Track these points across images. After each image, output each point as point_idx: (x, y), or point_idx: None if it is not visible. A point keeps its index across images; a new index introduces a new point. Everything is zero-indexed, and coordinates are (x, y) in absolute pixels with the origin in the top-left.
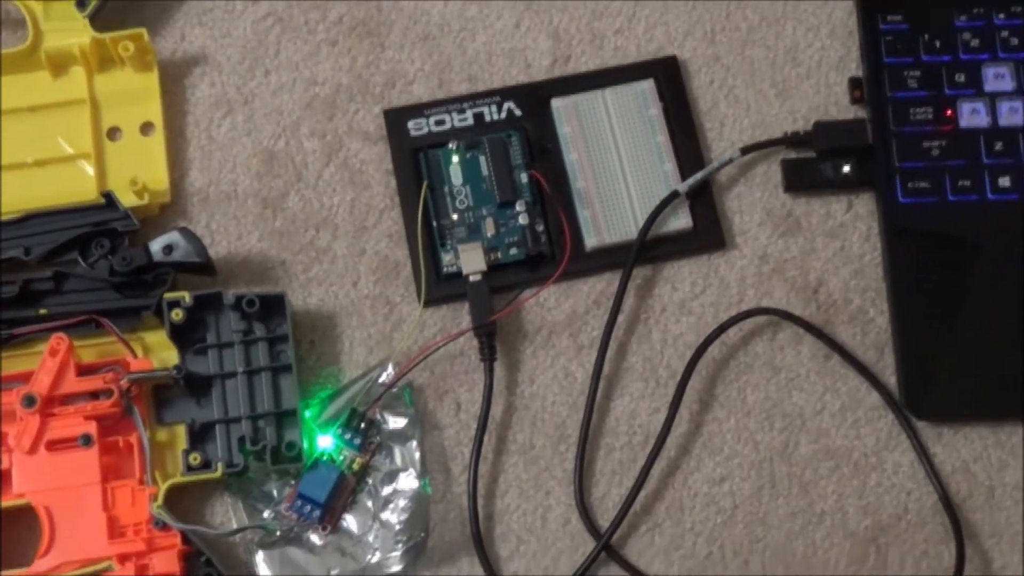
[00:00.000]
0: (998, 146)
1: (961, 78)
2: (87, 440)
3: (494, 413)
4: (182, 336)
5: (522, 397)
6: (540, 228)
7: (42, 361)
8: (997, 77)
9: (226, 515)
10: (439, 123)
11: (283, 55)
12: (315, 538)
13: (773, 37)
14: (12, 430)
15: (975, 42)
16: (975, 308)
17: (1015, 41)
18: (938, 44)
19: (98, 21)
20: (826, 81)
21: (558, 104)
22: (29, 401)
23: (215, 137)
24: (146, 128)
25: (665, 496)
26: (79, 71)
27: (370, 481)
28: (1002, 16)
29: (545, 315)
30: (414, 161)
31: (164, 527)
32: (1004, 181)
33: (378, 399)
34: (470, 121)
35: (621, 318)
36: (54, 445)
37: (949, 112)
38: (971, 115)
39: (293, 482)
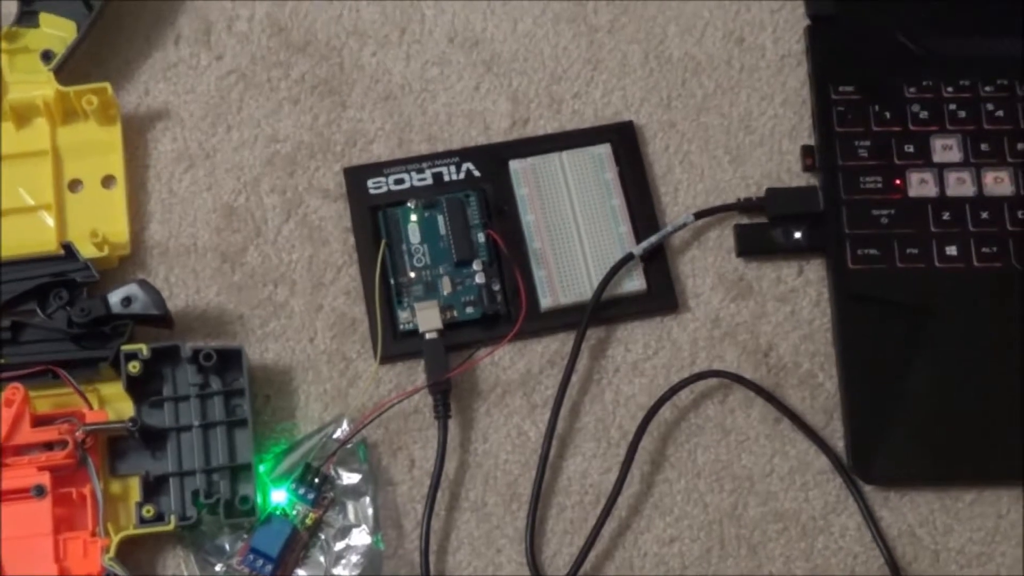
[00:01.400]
0: (945, 215)
1: (910, 148)
2: (40, 491)
3: (447, 470)
4: (138, 388)
5: (475, 455)
6: (496, 288)
7: None
8: (945, 148)
9: (178, 568)
10: (398, 182)
11: (245, 111)
12: None
13: (728, 105)
14: None
15: (924, 114)
16: (922, 374)
17: (962, 114)
18: (888, 115)
19: (63, 74)
20: (779, 148)
21: (516, 166)
22: None
23: (176, 191)
24: (107, 181)
25: (615, 556)
26: (42, 123)
27: (323, 536)
28: (950, 89)
29: (500, 374)
30: (373, 219)
31: None
32: (951, 250)
33: (333, 455)
34: (429, 181)
35: (575, 378)
36: (7, 495)
37: (898, 181)
38: (919, 185)
39: (246, 536)
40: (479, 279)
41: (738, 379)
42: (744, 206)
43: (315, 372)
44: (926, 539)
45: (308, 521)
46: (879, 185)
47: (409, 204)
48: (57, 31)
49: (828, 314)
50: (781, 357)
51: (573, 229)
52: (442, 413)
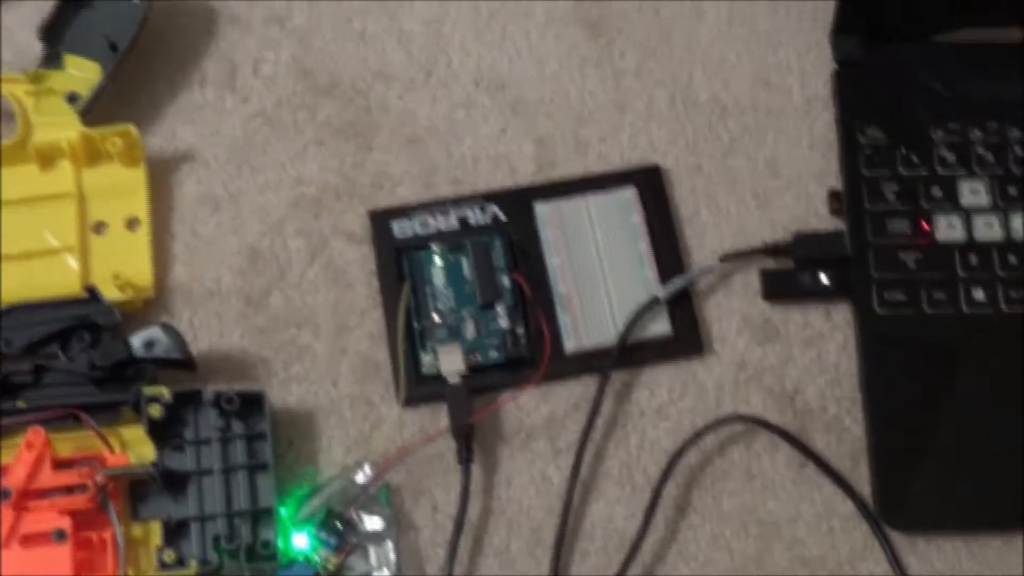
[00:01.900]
0: (973, 260)
1: (937, 192)
2: (61, 535)
3: (470, 515)
4: (160, 432)
5: (499, 499)
6: (520, 331)
7: (18, 454)
8: (972, 192)
9: None
10: (423, 225)
11: (270, 154)
12: None
13: (754, 148)
14: None
15: (951, 157)
16: (950, 419)
17: (990, 157)
18: (915, 158)
19: (88, 116)
20: (806, 192)
21: (542, 209)
22: (4, 494)
23: (200, 234)
24: (132, 223)
25: None
26: (67, 165)
27: None
28: (978, 132)
29: (523, 418)
30: (397, 262)
31: None
32: (979, 295)
33: (355, 499)
34: (455, 224)
35: (599, 422)
36: (27, 539)
37: (925, 225)
38: (947, 228)
39: None
40: (503, 323)
41: (764, 424)
42: (771, 250)
43: (338, 416)
44: None
45: (330, 566)
46: (906, 229)
47: (434, 247)
48: (82, 73)
49: (855, 358)
50: (807, 401)
51: (598, 272)
52: (465, 457)
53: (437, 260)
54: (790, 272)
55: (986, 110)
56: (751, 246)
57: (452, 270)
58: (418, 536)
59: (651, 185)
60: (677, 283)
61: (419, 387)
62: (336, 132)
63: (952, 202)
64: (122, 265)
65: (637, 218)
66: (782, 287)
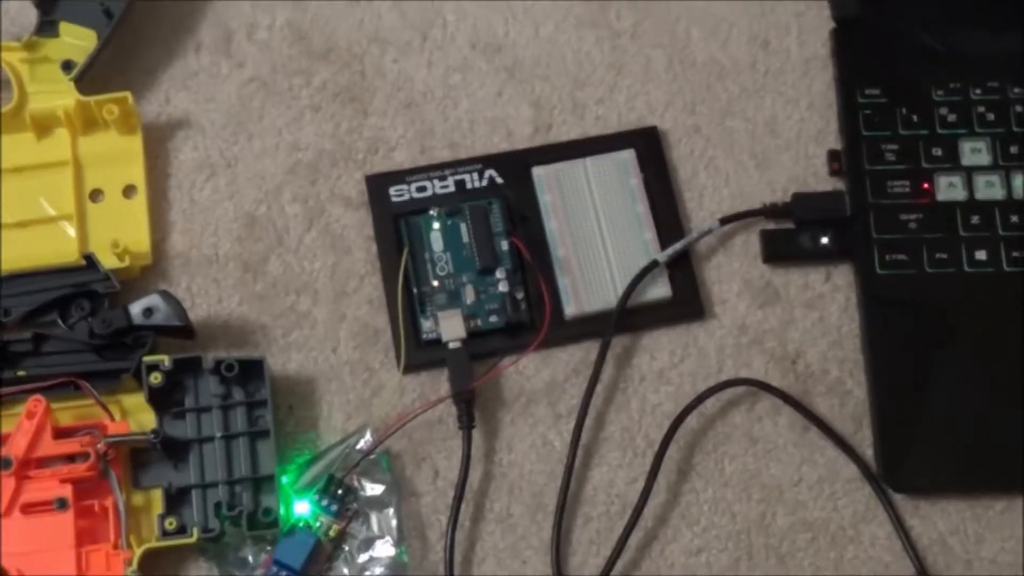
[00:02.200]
0: (974, 219)
1: (938, 152)
2: (62, 503)
3: (472, 481)
4: (160, 399)
5: (500, 465)
6: (520, 296)
7: (19, 423)
8: (974, 151)
9: None
10: (421, 190)
11: (266, 120)
12: None
13: (753, 109)
14: None
15: (952, 116)
16: (952, 380)
17: (991, 116)
18: (915, 118)
19: (83, 84)
20: (805, 153)
21: (539, 172)
22: (5, 463)
23: (197, 200)
24: (129, 191)
25: (642, 566)
26: (63, 133)
27: (346, 548)
28: (978, 91)
29: (524, 383)
30: (395, 227)
31: None
32: (980, 254)
33: (356, 465)
34: (451, 188)
35: (600, 387)
36: (29, 508)
37: (926, 185)
38: (948, 188)
39: (269, 548)
40: (503, 287)
41: (765, 387)
42: (770, 211)
43: (338, 382)
44: (957, 548)
45: (332, 533)
46: (907, 189)
47: (432, 212)
48: (77, 40)
49: (856, 320)
50: (809, 364)
51: (597, 236)
52: (466, 423)
53: (435, 225)
54: (790, 234)
55: (986, 68)
56: (751, 208)
57: (450, 235)
58: (419, 502)
59: (649, 147)
60: (677, 246)
61: (419, 353)
62: (332, 97)
63: (953, 161)
64: (120, 232)
65: (635, 181)
66: (782, 249)
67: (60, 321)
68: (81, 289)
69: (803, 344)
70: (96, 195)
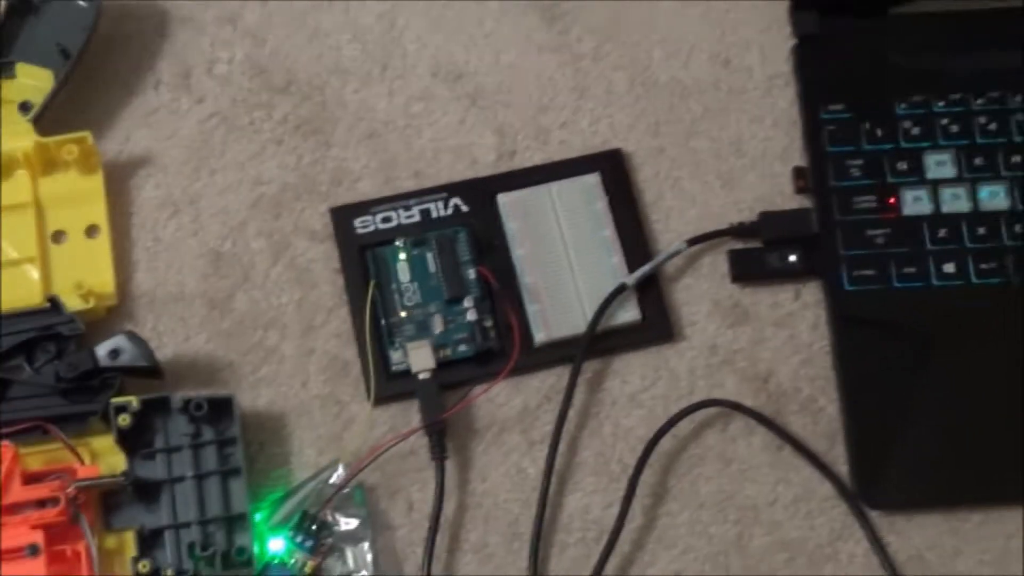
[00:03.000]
0: (941, 232)
1: (903, 166)
2: (34, 550)
3: (446, 512)
4: (130, 441)
5: (474, 495)
6: (489, 324)
7: None
8: (938, 164)
9: None
10: (386, 220)
11: (228, 155)
12: None
13: (717, 128)
14: None
15: (916, 130)
16: (924, 394)
17: (955, 128)
18: (879, 132)
19: (42, 124)
20: (770, 171)
21: (504, 200)
22: None
23: (161, 238)
24: (91, 231)
25: None
26: (23, 175)
27: None
28: (941, 104)
29: (496, 411)
30: (361, 259)
31: None
32: (948, 267)
33: (329, 500)
34: (417, 218)
35: (572, 412)
36: (1, 555)
37: (892, 200)
38: (914, 202)
39: None
40: (471, 316)
41: (738, 407)
42: (737, 231)
43: (308, 417)
44: (935, 563)
45: (307, 569)
46: (873, 204)
47: (397, 243)
48: (34, 81)
49: (827, 337)
50: (781, 383)
51: (564, 261)
52: (439, 454)
53: (401, 255)
54: (758, 253)
55: (948, 80)
56: (718, 228)
57: (417, 265)
58: (394, 535)
59: (614, 170)
60: (644, 269)
61: (389, 385)
62: (293, 130)
63: (918, 175)
64: (84, 274)
65: (601, 204)
66: (751, 268)
67: (26, 365)
68: (46, 332)
69: (774, 363)
70: (59, 236)
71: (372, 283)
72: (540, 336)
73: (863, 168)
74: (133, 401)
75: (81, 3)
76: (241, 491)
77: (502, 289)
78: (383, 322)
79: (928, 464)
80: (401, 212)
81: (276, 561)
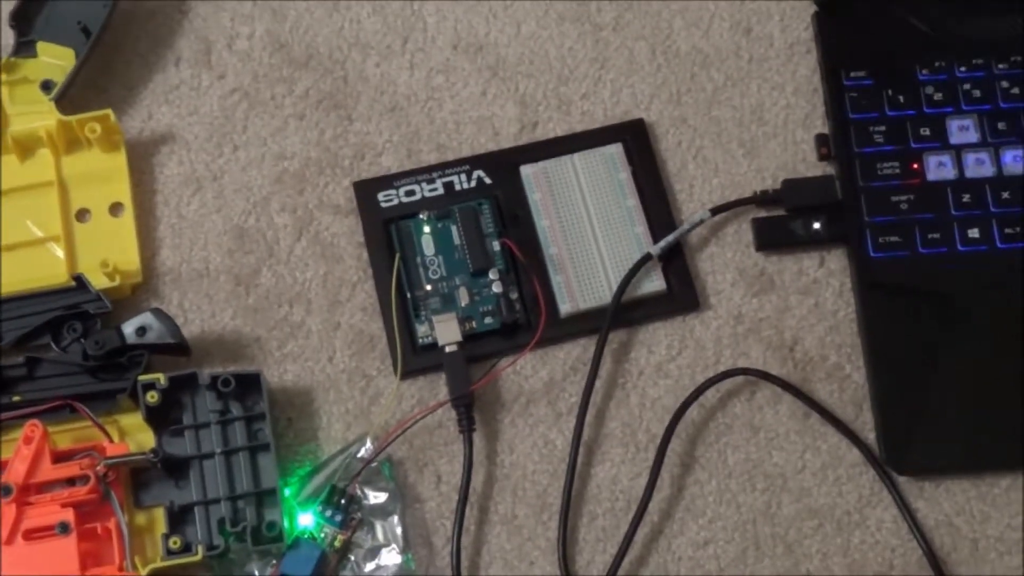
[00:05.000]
0: (965, 198)
1: (926, 131)
2: (64, 528)
3: (475, 484)
4: (158, 418)
5: (502, 467)
6: (514, 296)
7: (17, 449)
8: (961, 129)
9: None
10: (409, 194)
11: (251, 130)
12: None
13: (739, 97)
14: None
15: (938, 95)
16: (950, 360)
17: (977, 93)
18: (902, 98)
19: (64, 103)
20: (793, 139)
21: (527, 171)
22: (5, 491)
23: (185, 215)
24: (115, 208)
25: (650, 562)
26: (46, 154)
27: (352, 558)
28: (963, 69)
29: (522, 383)
30: (385, 233)
31: None
32: (973, 232)
33: (358, 474)
34: (440, 191)
35: (599, 383)
36: (31, 534)
37: (916, 166)
38: (938, 168)
39: (275, 562)
40: (496, 288)
41: (764, 376)
42: (761, 199)
43: (336, 391)
44: (964, 528)
45: (337, 543)
46: (897, 171)
47: (421, 216)
48: (56, 60)
49: (852, 304)
50: (807, 351)
51: (589, 232)
52: (466, 426)
53: (426, 228)
54: (782, 221)
55: (970, 45)
56: (741, 196)
57: (441, 238)
58: (424, 508)
59: (637, 140)
60: (669, 238)
61: (416, 358)
62: (315, 104)
63: (942, 141)
64: (108, 251)
65: (624, 174)
66: (775, 236)
67: (53, 344)
68: (72, 311)
69: (800, 331)
70: (83, 215)
71: (397, 256)
72: (565, 307)
73: (886, 134)
74: (161, 378)
75: None
76: (270, 466)
77: (527, 261)
78: (408, 295)
79: (955, 429)
80: (424, 185)
81: (306, 536)
